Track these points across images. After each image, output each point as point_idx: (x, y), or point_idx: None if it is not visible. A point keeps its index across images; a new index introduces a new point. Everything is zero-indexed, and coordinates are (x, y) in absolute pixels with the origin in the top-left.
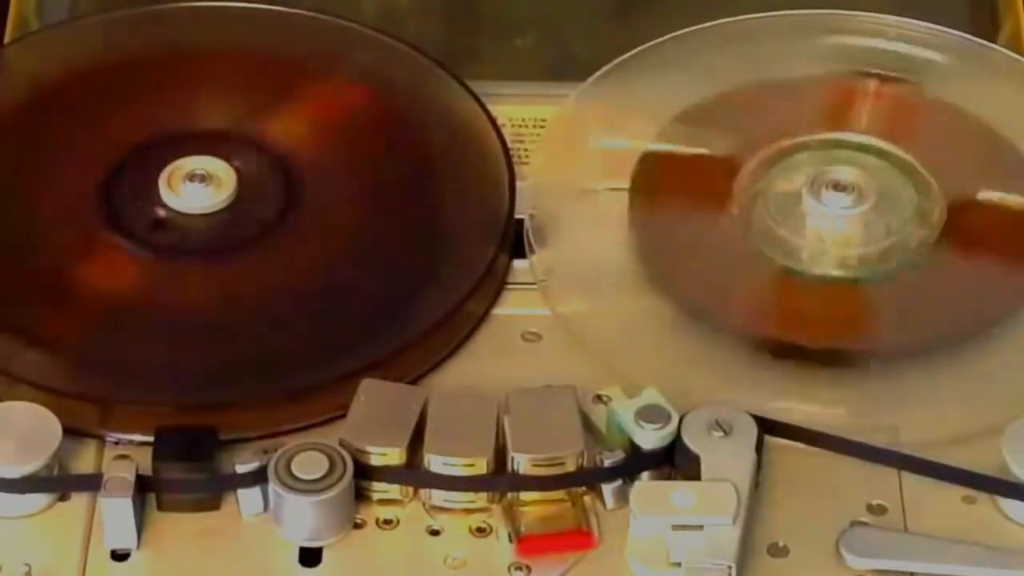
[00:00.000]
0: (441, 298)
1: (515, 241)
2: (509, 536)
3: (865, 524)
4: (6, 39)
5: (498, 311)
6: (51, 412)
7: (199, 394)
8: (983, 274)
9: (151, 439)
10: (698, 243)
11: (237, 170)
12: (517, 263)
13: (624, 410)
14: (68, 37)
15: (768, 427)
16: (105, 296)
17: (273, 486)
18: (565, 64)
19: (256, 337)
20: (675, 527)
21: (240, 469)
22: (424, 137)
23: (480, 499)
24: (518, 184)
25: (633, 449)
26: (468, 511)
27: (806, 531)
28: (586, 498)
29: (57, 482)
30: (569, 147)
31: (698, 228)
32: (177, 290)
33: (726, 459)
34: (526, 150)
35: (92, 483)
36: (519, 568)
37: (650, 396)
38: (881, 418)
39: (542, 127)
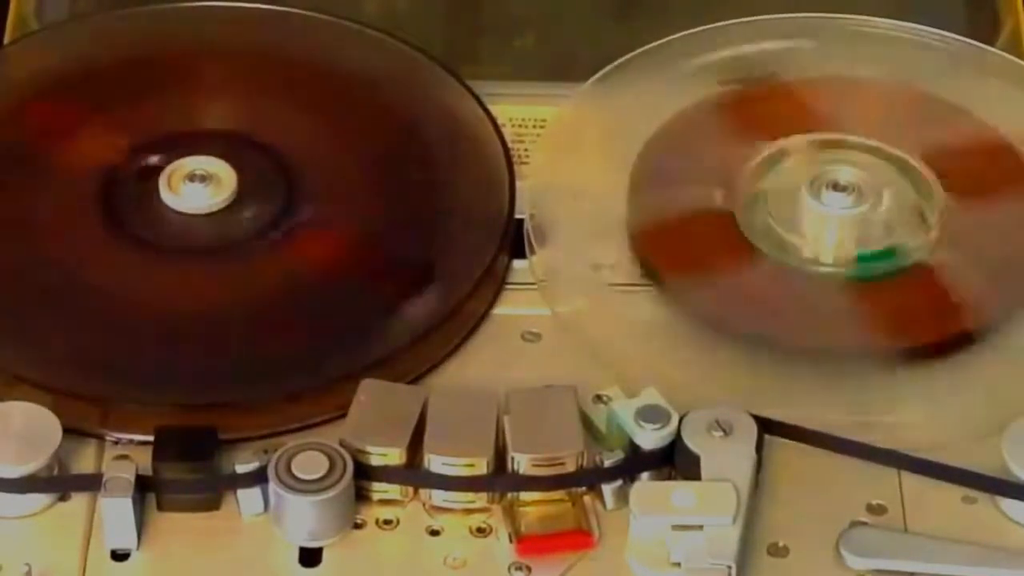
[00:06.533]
0: (441, 298)
1: (515, 241)
2: (509, 536)
3: (865, 524)
4: (6, 39)
5: (498, 311)
6: (51, 412)
7: (199, 394)
8: (983, 274)
9: (151, 439)
10: (698, 243)
11: (237, 170)
12: (517, 263)
13: (624, 410)
14: (68, 37)
15: (768, 427)
16: (105, 296)
17: (273, 486)
18: (565, 64)
19: (256, 337)
20: (675, 527)
21: (240, 469)
22: (424, 137)
23: (480, 499)
24: (518, 184)
25: (633, 449)
26: (468, 511)
27: (806, 531)
28: (586, 498)
29: (57, 482)
30: (569, 147)
31: (698, 228)
32: (177, 290)
33: (726, 459)
34: (526, 150)
35: (92, 483)
36: (519, 568)
37: (650, 396)
38: (881, 418)
39: (542, 127)
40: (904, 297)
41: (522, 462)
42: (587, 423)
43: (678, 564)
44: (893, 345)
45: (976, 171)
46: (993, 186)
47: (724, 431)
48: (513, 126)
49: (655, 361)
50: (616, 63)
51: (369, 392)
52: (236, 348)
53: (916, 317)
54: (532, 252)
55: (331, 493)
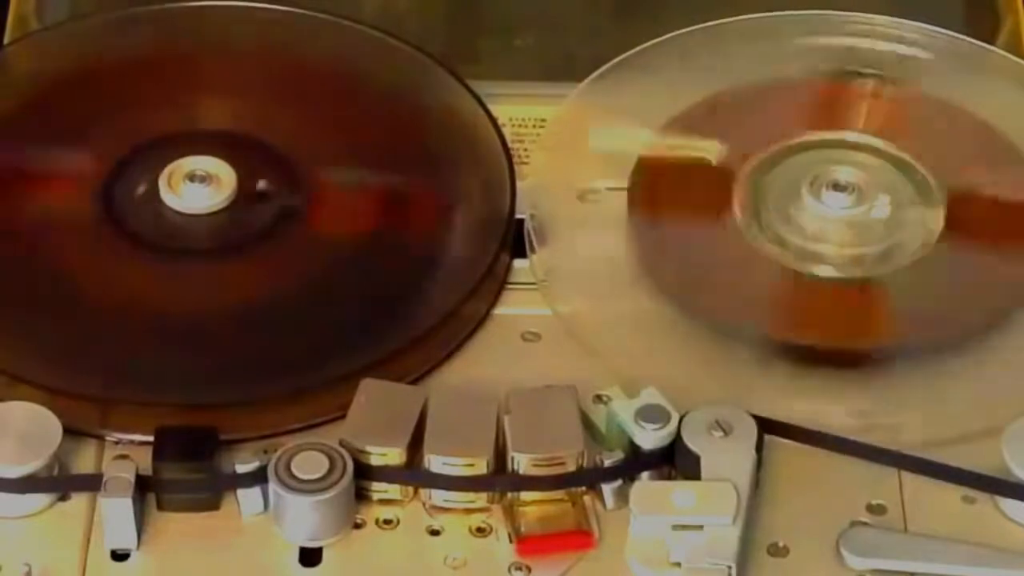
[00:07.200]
0: (441, 298)
1: (515, 241)
2: (509, 536)
3: (865, 524)
4: (6, 39)
5: (498, 311)
6: (51, 412)
7: (199, 394)
8: (983, 274)
9: (151, 439)
10: (698, 243)
11: (237, 170)
12: (517, 263)
13: (624, 410)
14: (68, 37)
15: (768, 427)
16: (105, 296)
17: (273, 486)
18: (565, 64)
19: (256, 337)
20: (675, 527)
21: (240, 469)
22: (424, 137)
23: (480, 499)
24: (518, 184)
25: (633, 449)
26: (468, 511)
27: (806, 531)
28: (586, 498)
29: (57, 482)
30: (569, 147)
31: (698, 228)
32: (177, 290)
33: (726, 459)
34: (526, 150)
35: (92, 483)
36: (519, 568)
37: (650, 396)
38: (881, 418)
39: (542, 127)
40: (904, 297)
41: (522, 462)
42: (587, 423)
43: (678, 564)
44: (893, 345)
45: (976, 170)
46: (992, 185)
47: (724, 431)
48: (513, 126)
49: (655, 361)
50: (614, 61)
51: (369, 392)
52: (236, 348)
53: (916, 317)
54: (532, 252)
55: (331, 493)
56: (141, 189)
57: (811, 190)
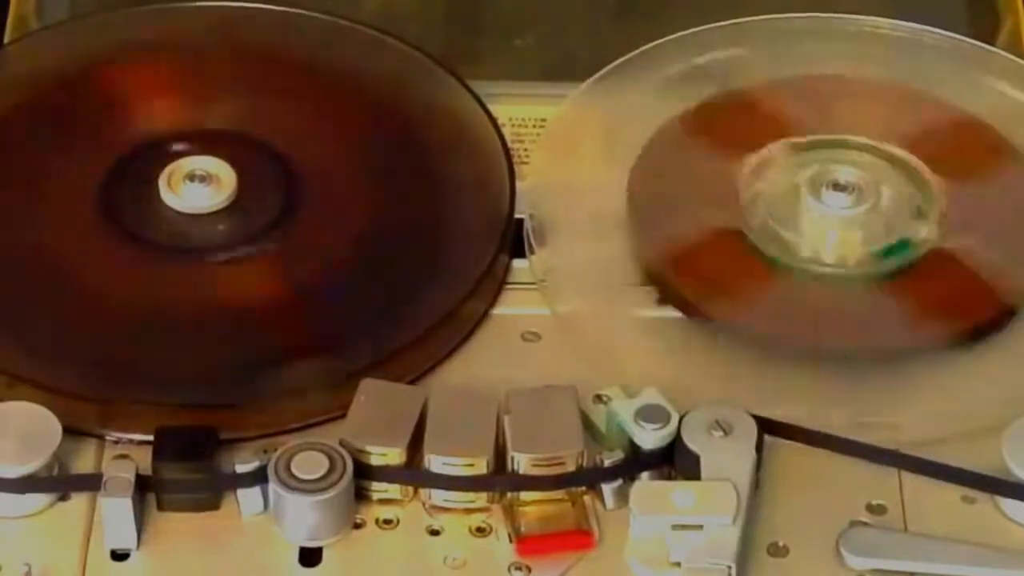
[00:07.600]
0: (441, 298)
1: (515, 241)
2: (509, 536)
3: (865, 524)
4: (6, 39)
5: (498, 311)
6: (51, 412)
7: (199, 394)
8: (983, 274)
9: (151, 439)
10: (698, 243)
11: (237, 170)
12: (517, 263)
13: (624, 410)
14: (68, 37)
15: (768, 427)
16: (105, 296)
17: (273, 486)
18: (565, 64)
19: (256, 337)
20: (675, 527)
21: (240, 469)
22: (424, 137)
23: (480, 499)
24: (518, 184)
25: (633, 449)
26: (468, 511)
27: (806, 531)
28: (586, 498)
29: (57, 482)
30: (569, 147)
31: (698, 228)
32: (177, 290)
33: (726, 459)
34: (526, 150)
35: (92, 483)
36: (519, 568)
37: (650, 396)
38: (881, 418)
39: (542, 127)
40: (904, 297)
41: (522, 462)
42: (587, 423)
43: (678, 564)
44: (893, 345)
45: (976, 169)
46: (992, 184)
47: (724, 431)
48: (513, 126)
49: (655, 361)
50: (615, 63)
51: (369, 392)
52: (236, 348)
53: (916, 317)
54: (532, 252)
55: (331, 493)
56: (141, 189)
57: (811, 190)
